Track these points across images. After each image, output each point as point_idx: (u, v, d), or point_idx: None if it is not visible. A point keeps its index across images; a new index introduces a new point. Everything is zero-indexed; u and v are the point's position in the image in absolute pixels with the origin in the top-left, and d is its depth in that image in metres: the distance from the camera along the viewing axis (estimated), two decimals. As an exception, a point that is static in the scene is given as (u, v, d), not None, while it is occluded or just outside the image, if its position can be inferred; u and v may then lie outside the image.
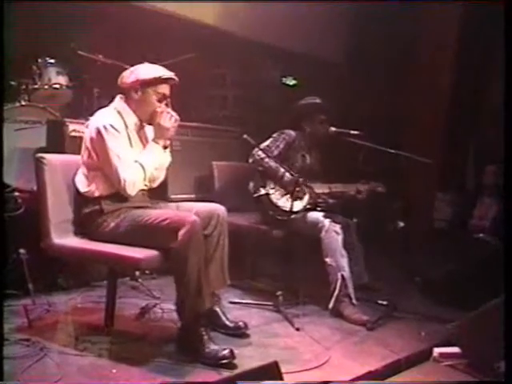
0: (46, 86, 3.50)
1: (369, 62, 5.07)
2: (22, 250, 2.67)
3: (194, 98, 4.20)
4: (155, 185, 2.71)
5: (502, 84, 2.35)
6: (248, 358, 2.38)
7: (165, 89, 2.54)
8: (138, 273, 3.17)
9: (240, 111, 4.54)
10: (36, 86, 3.45)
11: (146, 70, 2.53)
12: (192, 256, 2.28)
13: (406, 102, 4.99)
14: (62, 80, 3.58)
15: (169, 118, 2.50)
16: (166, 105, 2.55)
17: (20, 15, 3.19)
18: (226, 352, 2.26)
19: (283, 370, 2.28)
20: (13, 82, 3.40)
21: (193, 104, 4.15)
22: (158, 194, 2.82)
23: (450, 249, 3.83)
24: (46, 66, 3.53)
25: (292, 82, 5.29)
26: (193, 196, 3.53)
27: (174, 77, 2.55)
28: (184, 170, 3.55)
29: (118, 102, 2.56)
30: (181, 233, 2.27)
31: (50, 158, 2.51)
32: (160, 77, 2.51)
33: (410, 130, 5.00)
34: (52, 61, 3.55)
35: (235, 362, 2.28)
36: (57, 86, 3.53)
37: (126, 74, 2.56)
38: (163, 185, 2.90)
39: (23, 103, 3.34)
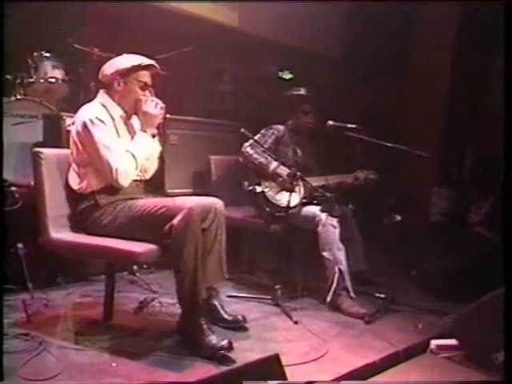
0: (42, 80, 3.48)
1: (367, 56, 5.06)
2: (19, 245, 2.67)
3: (191, 93, 4.19)
4: (148, 176, 2.71)
5: (502, 80, 2.36)
6: (247, 351, 2.39)
7: (146, 77, 2.55)
8: (135, 267, 3.17)
9: (238, 105, 4.52)
10: (31, 80, 3.43)
11: (125, 60, 2.54)
12: (188, 243, 2.27)
13: (404, 97, 4.99)
14: (58, 74, 3.55)
15: (154, 106, 2.51)
16: (150, 93, 2.55)
17: (15, 9, 3.16)
18: (224, 343, 2.27)
19: (283, 362, 2.31)
20: (8, 76, 3.37)
21: (190, 98, 4.15)
22: (154, 188, 2.83)
23: (446, 242, 3.86)
24: (41, 60, 3.50)
25: (288, 76, 5.27)
26: (190, 190, 3.52)
27: (154, 64, 2.55)
28: (181, 164, 3.54)
29: (102, 95, 2.56)
30: (178, 218, 2.27)
31: (47, 152, 2.50)
32: (139, 64, 2.52)
33: (408, 124, 5.00)
34: (48, 54, 3.53)
35: (234, 355, 2.28)
36: (53, 79, 3.51)
37: (105, 67, 2.57)
38: (160, 179, 2.91)
39: (19, 97, 3.32)
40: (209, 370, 2.17)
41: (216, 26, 4.54)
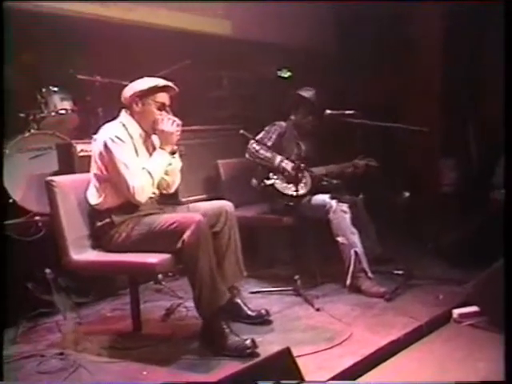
0: (53, 113, 3.45)
1: (360, 43, 4.89)
2: (47, 270, 2.65)
3: (193, 103, 4.13)
4: (172, 190, 2.68)
5: (498, 48, 2.22)
6: (271, 344, 2.31)
7: (163, 97, 2.51)
8: (160, 276, 3.11)
9: (240, 109, 4.43)
10: (43, 115, 3.41)
11: (142, 82, 2.51)
12: (202, 255, 2.22)
13: (401, 77, 4.80)
14: (67, 105, 3.52)
15: (170, 124, 2.47)
16: (167, 112, 2.51)
17: (17, 51, 3.18)
18: (248, 342, 2.21)
19: (307, 351, 2.23)
20: (22, 114, 3.38)
21: (193, 108, 4.09)
22: (169, 198, 2.79)
23: (459, 211, 3.70)
24: (50, 95, 3.48)
25: (287, 74, 5.16)
26: (204, 196, 3.44)
27: (171, 85, 2.52)
28: (192, 172, 3.45)
29: (123, 115, 2.54)
30: (187, 234, 2.22)
31: (58, 179, 2.49)
32: (156, 85, 2.48)
33: (407, 102, 4.81)
34: (55, 89, 3.50)
35: (259, 349, 2.21)
36: (63, 111, 3.49)
37: (125, 89, 2.54)
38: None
39: (33, 132, 3.31)
40: (235, 367, 2.08)
41: (211, 37, 4.47)
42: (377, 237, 3.23)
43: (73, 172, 2.90)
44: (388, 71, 4.75)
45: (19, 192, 3.11)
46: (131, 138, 2.46)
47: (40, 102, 3.47)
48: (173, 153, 2.51)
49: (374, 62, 4.77)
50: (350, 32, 5.07)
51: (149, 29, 4.01)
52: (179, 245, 2.23)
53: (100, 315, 2.77)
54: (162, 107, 2.50)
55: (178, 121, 2.49)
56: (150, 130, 2.53)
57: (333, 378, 1.99)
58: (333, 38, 5.36)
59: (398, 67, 4.78)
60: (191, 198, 3.31)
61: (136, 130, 2.50)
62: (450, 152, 4.45)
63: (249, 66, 4.76)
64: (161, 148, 2.48)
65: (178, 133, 2.49)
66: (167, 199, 2.75)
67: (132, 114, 2.51)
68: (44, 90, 3.50)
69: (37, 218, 2.96)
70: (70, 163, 3.05)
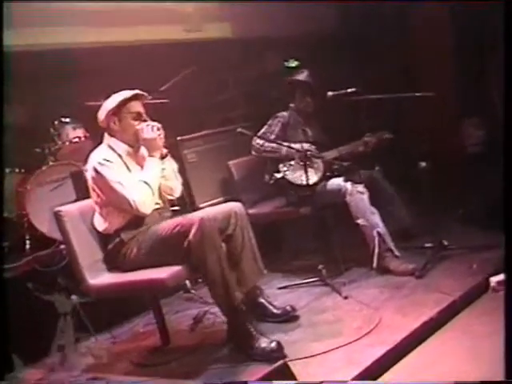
0: (67, 143, 3.42)
1: (361, 25, 4.57)
2: (73, 297, 2.59)
3: (202, 109, 3.99)
4: (177, 194, 2.56)
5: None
6: (298, 341, 2.15)
7: (137, 106, 2.40)
8: (188, 284, 2.99)
9: (249, 107, 4.24)
10: (57, 146, 3.38)
11: (112, 100, 2.40)
12: (209, 251, 2.10)
13: (409, 47, 4.43)
14: (80, 133, 3.48)
15: (150, 130, 2.35)
16: (144, 120, 2.39)
17: (24, 93, 3.14)
18: (273, 345, 2.05)
19: (334, 345, 2.05)
20: (37, 149, 3.36)
21: (202, 114, 3.95)
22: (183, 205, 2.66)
23: (488, 172, 3.35)
24: (62, 126, 3.44)
25: (294, 64, 4.90)
26: (220, 199, 3.28)
27: (140, 92, 2.41)
28: (205, 177, 3.34)
29: (106, 137, 2.45)
30: (192, 233, 2.11)
31: (66, 208, 2.40)
32: (125, 98, 2.37)
33: (418, 68, 4.44)
34: (67, 120, 3.47)
35: (286, 349, 2.04)
36: (76, 139, 3.45)
37: (99, 113, 2.44)
38: (188, 195, 2.74)
39: (50, 164, 3.28)
40: (261, 371, 1.93)
41: (213, 43, 4.30)
42: (404, 206, 2.96)
43: (89, 197, 2.83)
44: (398, 43, 4.39)
45: (45, 224, 3.09)
46: (120, 157, 2.37)
47: (53, 134, 3.44)
48: (163, 157, 2.41)
49: (379, 37, 4.42)
50: (352, 12, 4.74)
51: (150, 46, 3.88)
52: (185, 246, 2.12)
53: (133, 332, 2.66)
54: (138, 117, 2.40)
55: (157, 125, 2.38)
56: (134, 143, 2.41)
57: (360, 374, 1.79)
58: (335, 18, 5.04)
59: (407, 38, 4.42)
60: (207, 203, 3.17)
61: (122, 147, 2.40)
62: (473, 110, 4.05)
63: (253, 64, 4.56)
64: (150, 156, 2.37)
65: (161, 136, 2.38)
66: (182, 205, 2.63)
67: (113, 134, 2.41)
68: (56, 122, 3.46)
69: (62, 246, 2.92)
70: (86, 189, 2.98)
